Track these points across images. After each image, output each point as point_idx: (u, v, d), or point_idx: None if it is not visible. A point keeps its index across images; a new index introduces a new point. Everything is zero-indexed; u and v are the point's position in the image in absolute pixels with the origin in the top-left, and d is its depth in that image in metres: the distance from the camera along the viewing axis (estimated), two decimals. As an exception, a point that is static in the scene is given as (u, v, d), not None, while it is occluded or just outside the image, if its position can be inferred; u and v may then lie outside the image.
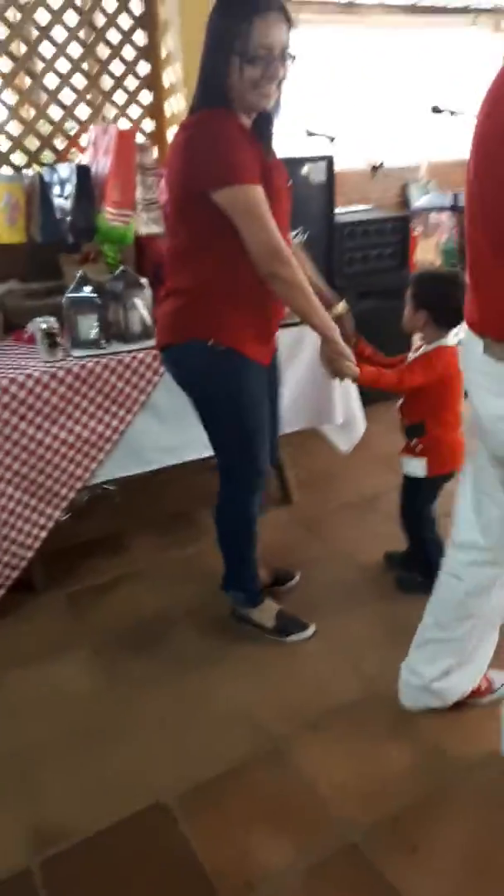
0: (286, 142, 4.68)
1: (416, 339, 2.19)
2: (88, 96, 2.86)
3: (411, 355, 2.12)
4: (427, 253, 6.38)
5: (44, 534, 2.20)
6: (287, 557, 2.50)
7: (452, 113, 4.34)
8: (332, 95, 6.20)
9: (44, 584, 2.37)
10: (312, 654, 2.06)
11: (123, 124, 2.90)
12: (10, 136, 2.79)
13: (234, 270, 1.70)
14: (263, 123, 1.73)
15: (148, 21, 2.82)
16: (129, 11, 2.81)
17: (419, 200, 4.81)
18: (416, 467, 2.14)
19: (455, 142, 6.99)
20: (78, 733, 1.82)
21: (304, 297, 1.71)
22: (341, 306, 2.02)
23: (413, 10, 6.48)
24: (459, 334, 2.02)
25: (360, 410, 2.65)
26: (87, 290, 2.17)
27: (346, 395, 2.56)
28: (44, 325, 2.11)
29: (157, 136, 3.00)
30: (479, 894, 1.41)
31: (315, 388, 2.49)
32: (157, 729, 1.82)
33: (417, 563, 2.31)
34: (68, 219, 2.58)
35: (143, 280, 2.27)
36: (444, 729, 1.77)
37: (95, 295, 2.16)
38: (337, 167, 3.48)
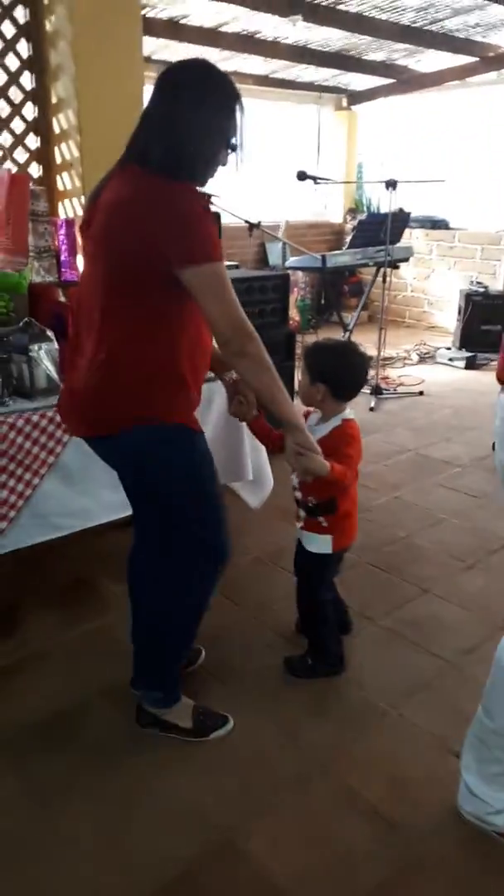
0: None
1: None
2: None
3: (315, 427, 1.97)
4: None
5: None
6: (203, 624, 2.37)
7: (316, 180, 4.55)
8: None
9: None
10: (245, 730, 1.94)
11: (9, 168, 2.74)
12: None
13: (184, 345, 1.60)
14: None
15: (37, 64, 2.70)
16: (16, 53, 2.68)
17: (289, 260, 5.00)
18: (323, 544, 2.04)
19: (308, 205, 7.46)
20: (0, 853, 1.57)
21: (271, 377, 1.58)
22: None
23: (265, 80, 6.89)
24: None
25: (268, 466, 2.62)
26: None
27: (255, 451, 2.52)
28: None
29: (45, 182, 2.86)
30: None
31: (226, 444, 2.43)
32: (87, 838, 1.61)
33: (310, 643, 2.19)
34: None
35: (49, 332, 2.11)
36: (391, 799, 1.73)
37: (-5, 349, 1.97)
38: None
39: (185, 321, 1.57)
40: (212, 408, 2.41)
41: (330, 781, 1.78)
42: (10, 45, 2.64)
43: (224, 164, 1.61)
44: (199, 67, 1.56)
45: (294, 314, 6.76)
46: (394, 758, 1.87)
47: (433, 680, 2.15)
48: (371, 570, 2.77)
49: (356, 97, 7.52)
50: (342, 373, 1.93)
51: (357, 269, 7.05)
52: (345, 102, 7.59)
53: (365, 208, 7.75)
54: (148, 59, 5.77)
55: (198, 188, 1.58)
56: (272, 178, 6.70)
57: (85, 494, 2.15)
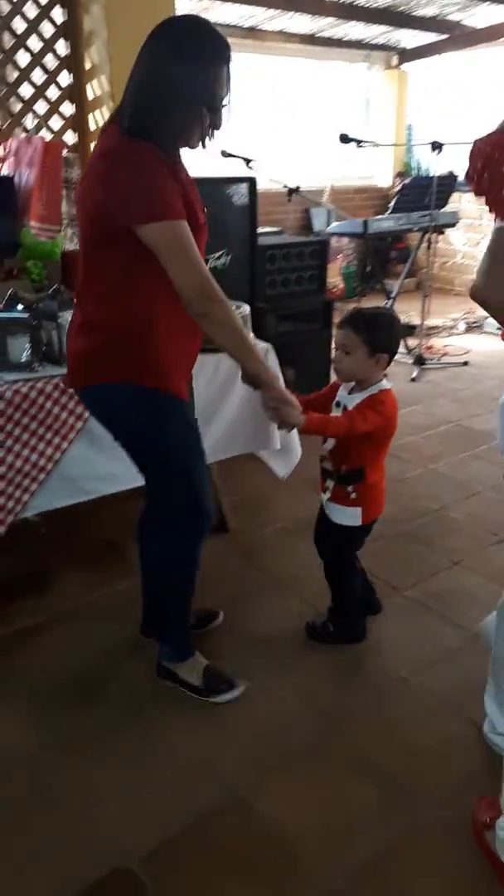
0: (202, 162, 4.61)
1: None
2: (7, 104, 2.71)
3: (347, 397, 1.97)
4: (330, 276, 6.57)
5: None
6: (226, 589, 2.42)
7: (359, 143, 4.43)
8: (242, 119, 6.28)
9: (-36, 630, 2.17)
10: (266, 693, 1.98)
11: (44, 136, 2.76)
12: None
13: (160, 306, 1.59)
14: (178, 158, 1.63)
15: (71, 30, 2.70)
16: (51, 20, 2.68)
17: (331, 225, 4.91)
18: (351, 517, 2.02)
19: (355, 169, 7.29)
20: (19, 796, 1.66)
21: (239, 337, 1.62)
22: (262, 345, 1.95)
23: (312, 39, 6.71)
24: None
25: (296, 435, 2.62)
26: (19, 309, 2.02)
27: (283, 420, 2.52)
28: (-29, 347, 1.95)
29: (80, 149, 2.86)
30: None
31: (253, 413, 2.44)
32: (110, 785, 1.69)
33: (332, 610, 2.20)
34: (-12, 232, 2.41)
35: (78, 300, 2.13)
36: (405, 765, 1.75)
37: (28, 314, 2.01)
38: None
39: (164, 283, 1.54)
40: (238, 377, 2.41)
41: (344, 745, 1.81)
42: (45, 12, 2.64)
43: (217, 127, 1.56)
44: (182, 24, 1.51)
45: (338, 281, 6.66)
46: (410, 725, 1.88)
47: (456, 651, 2.15)
48: (401, 541, 2.76)
49: (407, 55, 7.26)
50: (397, 341, 1.95)
51: (404, 235, 6.89)
52: (395, 61, 7.33)
53: (414, 172, 7.53)
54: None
55: (184, 148, 1.57)
56: (318, 142, 6.55)
57: (113, 460, 2.17)
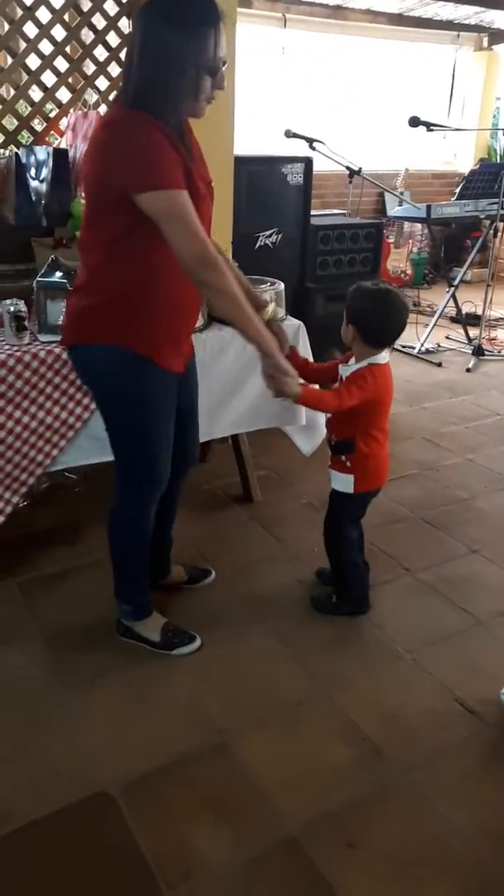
0: (266, 140, 4.68)
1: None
2: (70, 80, 2.83)
3: (343, 368, 2.04)
4: (398, 261, 6.50)
5: (1, 519, 2.17)
6: (241, 555, 2.52)
7: (429, 127, 4.37)
8: (314, 99, 6.26)
9: (-5, 571, 2.34)
10: (262, 652, 2.08)
11: (104, 111, 2.88)
12: (-13, 115, 2.75)
13: (154, 275, 1.64)
14: (184, 128, 1.65)
15: (135, 9, 2.80)
16: (115, -1, 2.79)
17: (394, 209, 4.87)
18: (345, 483, 2.10)
19: (430, 154, 7.15)
20: (24, 721, 1.82)
21: (235, 306, 1.65)
22: (271, 309, 1.95)
23: (400, 19, 6.59)
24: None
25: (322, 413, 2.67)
26: (57, 275, 2.16)
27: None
28: (11, 308, 2.09)
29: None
30: (409, 894, 1.45)
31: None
32: (104, 720, 1.82)
33: (334, 582, 2.27)
34: (43, 202, 2.56)
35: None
36: (386, 733, 1.81)
37: (66, 280, 2.14)
38: (316, 169, 3.49)
39: (163, 253, 1.58)
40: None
41: (329, 708, 1.88)
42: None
43: (220, 88, 1.58)
44: None
45: (407, 267, 6.58)
46: (398, 697, 1.93)
47: (457, 634, 2.18)
48: (423, 525, 2.78)
49: (499, 36, 7.03)
50: (373, 318, 1.93)
51: (481, 223, 6.72)
52: (486, 42, 7.11)
53: (499, 157, 7.31)
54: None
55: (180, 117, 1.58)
56: (396, 124, 6.45)
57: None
